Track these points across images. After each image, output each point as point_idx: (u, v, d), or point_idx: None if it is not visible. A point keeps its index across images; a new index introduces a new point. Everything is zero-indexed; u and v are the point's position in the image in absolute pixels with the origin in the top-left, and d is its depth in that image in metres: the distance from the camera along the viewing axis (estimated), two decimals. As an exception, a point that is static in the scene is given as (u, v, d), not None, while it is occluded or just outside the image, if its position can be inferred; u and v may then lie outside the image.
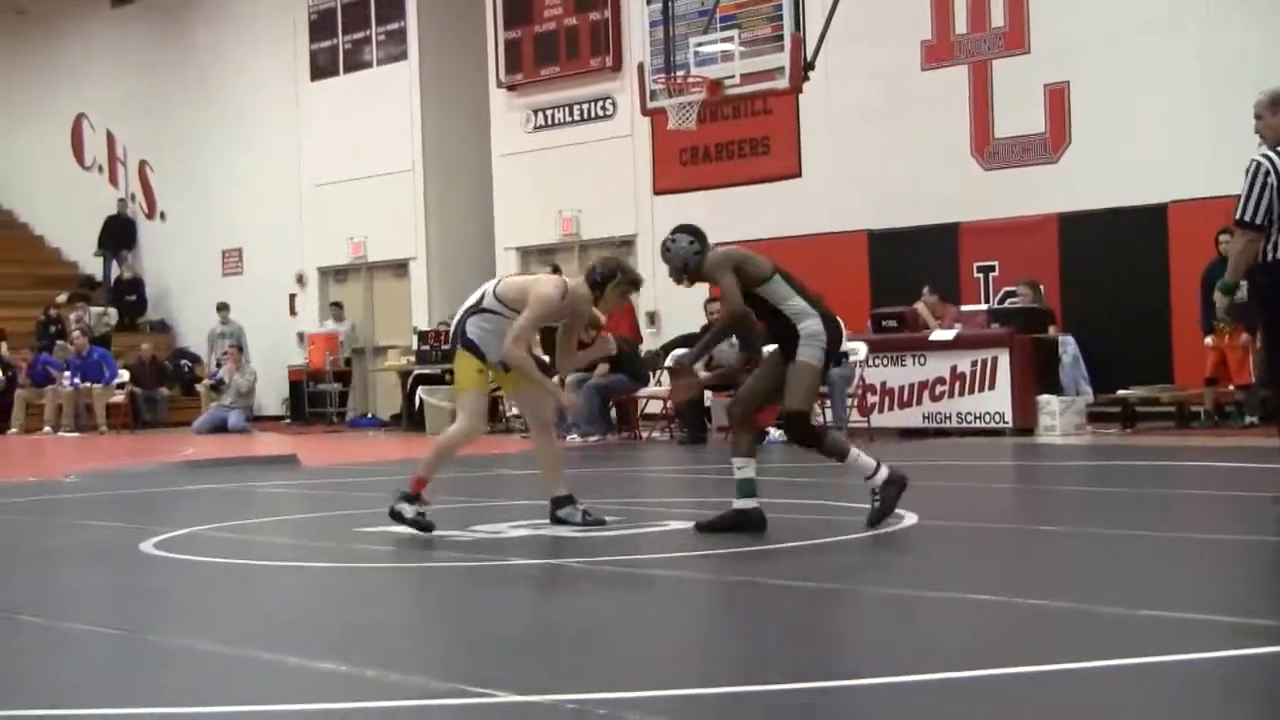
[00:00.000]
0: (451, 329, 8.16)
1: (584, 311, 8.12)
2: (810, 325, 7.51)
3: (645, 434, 17.42)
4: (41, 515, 10.33)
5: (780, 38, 15.92)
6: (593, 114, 21.23)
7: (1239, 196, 7.85)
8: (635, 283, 8.11)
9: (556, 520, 8.02)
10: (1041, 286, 16.33)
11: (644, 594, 6.23)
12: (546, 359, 9.04)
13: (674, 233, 7.80)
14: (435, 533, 7.79)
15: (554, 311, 7.94)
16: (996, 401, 15.39)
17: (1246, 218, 7.83)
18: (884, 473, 7.47)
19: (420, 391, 19.39)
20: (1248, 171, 7.88)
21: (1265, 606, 5.49)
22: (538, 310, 7.85)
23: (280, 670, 4.80)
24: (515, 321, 7.82)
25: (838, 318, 7.77)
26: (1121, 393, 15.67)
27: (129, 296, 27.29)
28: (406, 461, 12.66)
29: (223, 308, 24.59)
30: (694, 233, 7.78)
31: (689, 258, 7.69)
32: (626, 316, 18.91)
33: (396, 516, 7.83)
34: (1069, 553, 7.18)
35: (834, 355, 7.74)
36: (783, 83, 16.01)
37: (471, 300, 8.06)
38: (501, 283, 8.08)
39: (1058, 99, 16.82)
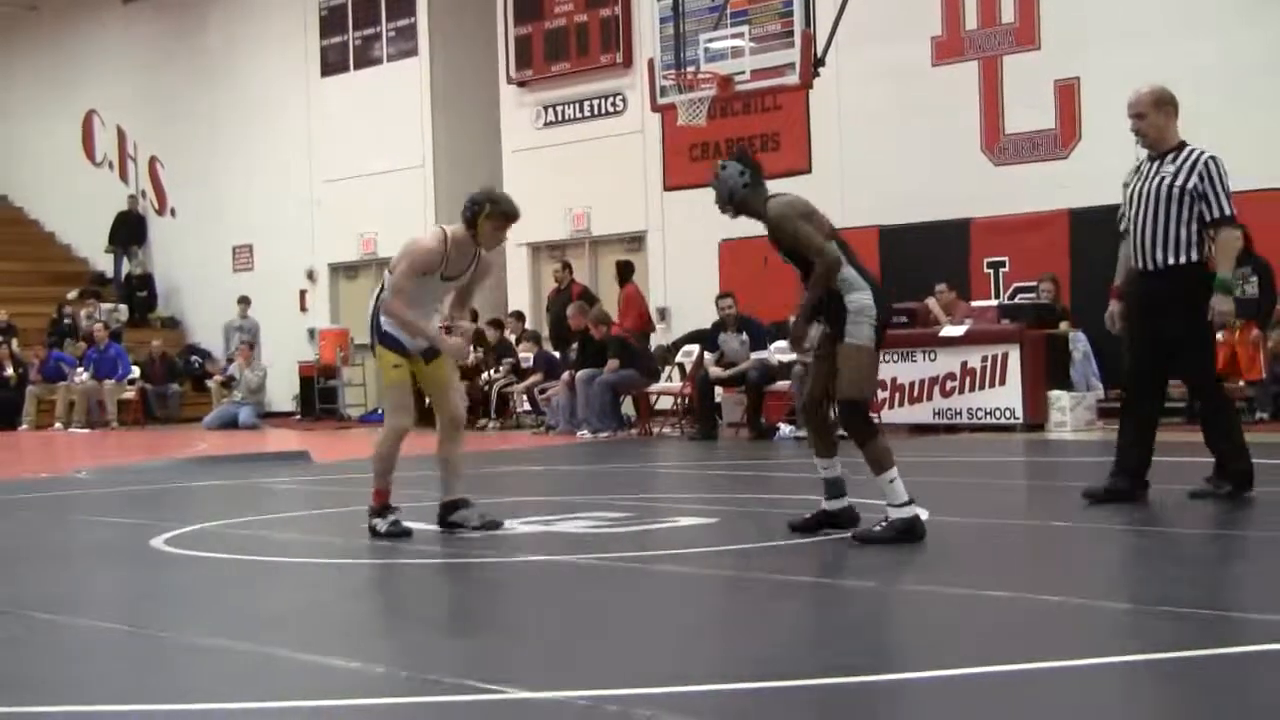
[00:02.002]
0: (368, 324, 7.87)
1: (471, 254, 7.66)
2: (859, 299, 6.93)
3: (656, 430, 17.42)
4: (52, 511, 10.35)
5: (790, 33, 15.92)
6: (603, 110, 21.24)
7: (1212, 193, 7.90)
8: (506, 213, 7.60)
9: (448, 525, 7.80)
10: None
11: (655, 590, 6.22)
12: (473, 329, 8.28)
13: (726, 160, 7.32)
14: (455, 530, 7.79)
15: (431, 260, 7.53)
16: (1007, 397, 15.37)
17: (1231, 212, 7.96)
18: (910, 512, 6.91)
19: (430, 387, 19.37)
20: (1210, 171, 7.93)
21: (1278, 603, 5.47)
22: (411, 258, 7.53)
23: (290, 666, 4.80)
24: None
25: (882, 291, 7.18)
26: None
27: (139, 293, 27.34)
28: (417, 457, 12.66)
29: (243, 301, 24.55)
30: (746, 162, 7.26)
31: (735, 188, 7.17)
32: (635, 310, 18.91)
33: (374, 533, 7.74)
34: (1082, 549, 7.17)
35: (884, 331, 7.07)
36: (793, 79, 16.02)
37: (378, 290, 7.80)
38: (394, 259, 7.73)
39: (1068, 94, 16.80)
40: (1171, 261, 7.95)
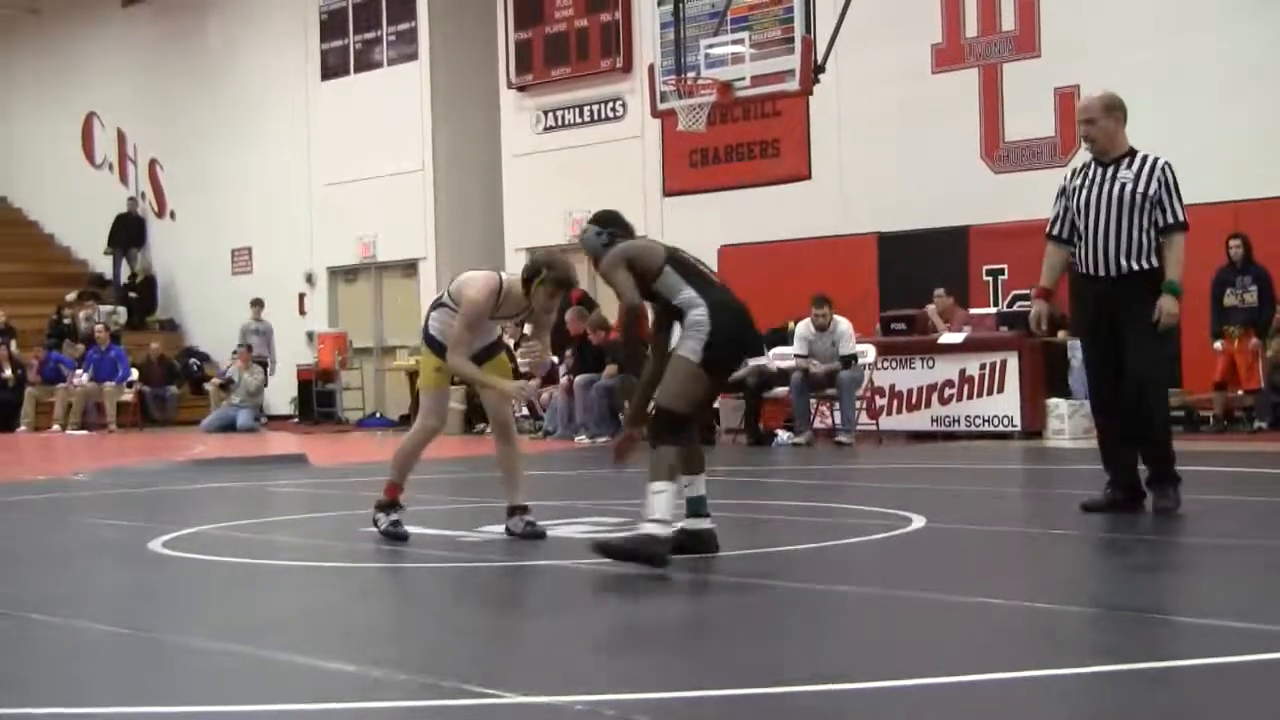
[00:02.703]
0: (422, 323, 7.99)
1: (523, 305, 7.62)
2: (694, 315, 6.69)
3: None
4: (51, 513, 10.35)
5: (791, 40, 15.94)
6: (603, 115, 21.25)
7: (1169, 199, 7.92)
8: (560, 281, 7.48)
9: (508, 531, 7.74)
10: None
11: (651, 595, 6.22)
12: (553, 359, 8.47)
13: (589, 220, 7.22)
14: (457, 533, 7.80)
15: (483, 312, 7.54)
16: (1005, 405, 15.39)
17: (1185, 219, 7.99)
18: (666, 530, 6.45)
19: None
20: (1168, 177, 7.95)
21: (1276, 612, 5.48)
22: (466, 313, 7.55)
23: (287, 670, 4.80)
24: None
25: (742, 310, 6.84)
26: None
27: (141, 295, 27.33)
28: (432, 460, 12.65)
29: (256, 303, 24.36)
30: (604, 221, 7.14)
31: (595, 249, 7.04)
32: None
33: (375, 524, 7.77)
34: (1078, 557, 7.18)
35: (728, 351, 6.78)
36: (793, 85, 16.03)
37: (438, 295, 7.92)
38: (457, 279, 7.78)
39: (1068, 102, 16.78)
40: (1135, 267, 7.96)
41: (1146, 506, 8.05)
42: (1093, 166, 8.14)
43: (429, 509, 9.16)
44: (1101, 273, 8.02)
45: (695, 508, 6.90)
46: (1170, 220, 7.95)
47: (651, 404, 6.76)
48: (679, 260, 6.90)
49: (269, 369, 23.91)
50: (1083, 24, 16.87)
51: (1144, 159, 8.02)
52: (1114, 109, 8.14)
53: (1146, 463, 8.08)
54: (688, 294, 6.75)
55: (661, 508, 6.46)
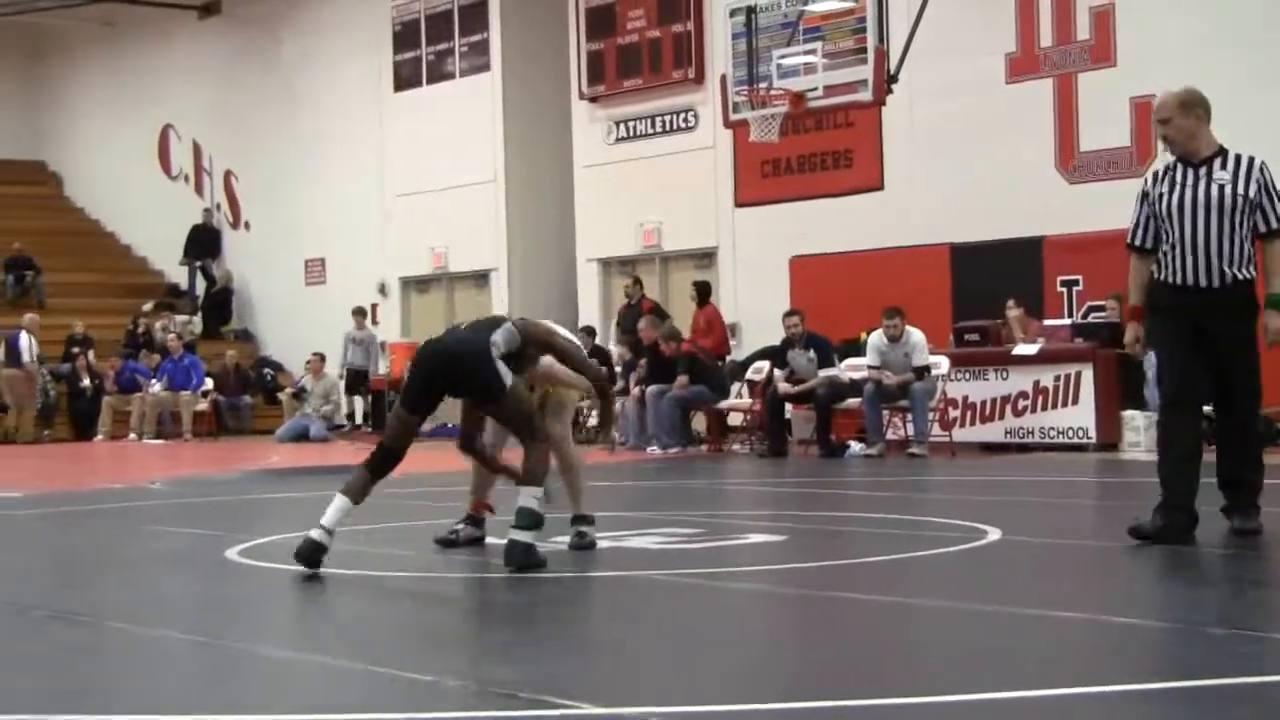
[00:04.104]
0: None
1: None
2: None
3: (726, 446, 17.39)
4: (127, 522, 10.45)
5: (864, 50, 15.88)
6: (675, 126, 21.25)
7: (1268, 202, 7.37)
8: None
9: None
10: (1128, 301, 16.15)
11: (726, 606, 6.20)
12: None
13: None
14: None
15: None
16: (1080, 417, 15.24)
17: None
18: (324, 537, 7.10)
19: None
20: (1266, 178, 7.41)
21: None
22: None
23: (362, 679, 4.81)
24: None
25: (435, 348, 7.40)
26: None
27: (219, 305, 27.58)
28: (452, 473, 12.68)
29: (358, 312, 24.29)
30: None
31: None
32: (717, 332, 18.96)
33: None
34: (1155, 570, 7.08)
35: (410, 386, 7.41)
36: (866, 95, 15.97)
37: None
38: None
39: (1144, 112, 16.61)
40: (1240, 276, 7.41)
41: (1196, 537, 7.49)
42: (1179, 168, 7.53)
43: (498, 520, 9.16)
44: (1203, 282, 7.41)
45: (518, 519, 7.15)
46: (1276, 225, 7.39)
47: None
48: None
49: (371, 374, 23.81)
50: (1158, 32, 16.70)
51: (1238, 159, 7.45)
52: (1192, 106, 7.49)
53: (1228, 487, 7.66)
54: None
55: (329, 515, 7.12)
